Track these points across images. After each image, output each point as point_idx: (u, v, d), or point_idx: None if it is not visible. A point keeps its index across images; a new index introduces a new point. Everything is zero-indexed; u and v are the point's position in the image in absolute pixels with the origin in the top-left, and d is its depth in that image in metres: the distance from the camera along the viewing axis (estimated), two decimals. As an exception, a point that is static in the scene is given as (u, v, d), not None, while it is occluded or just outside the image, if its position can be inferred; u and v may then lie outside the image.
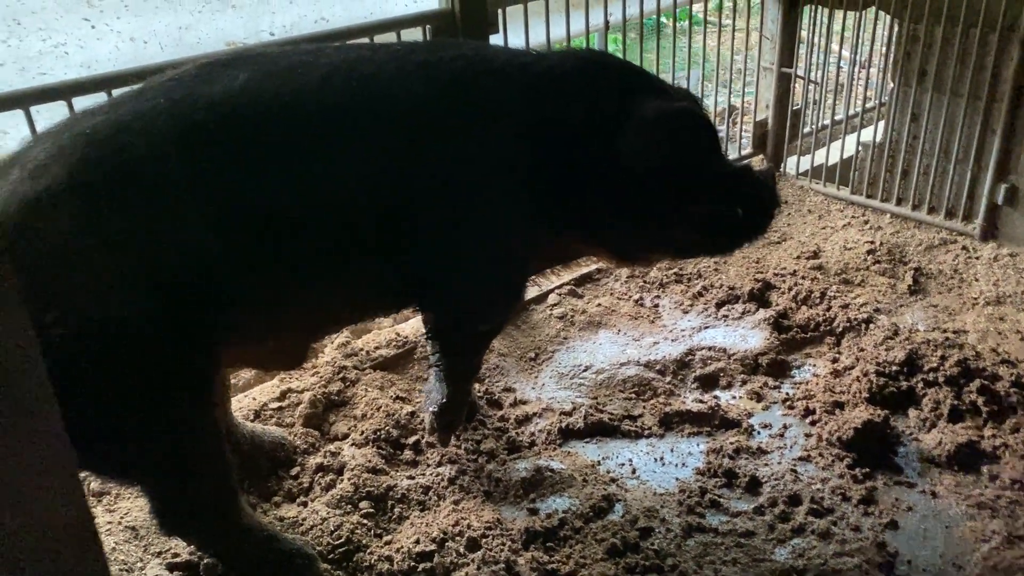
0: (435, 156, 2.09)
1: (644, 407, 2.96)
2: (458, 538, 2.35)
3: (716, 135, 2.42)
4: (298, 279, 2.06)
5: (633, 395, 3.01)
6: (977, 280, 3.53)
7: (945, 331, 3.21)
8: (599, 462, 2.72)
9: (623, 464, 2.71)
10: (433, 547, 2.32)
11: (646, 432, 2.84)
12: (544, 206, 2.29)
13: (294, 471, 2.66)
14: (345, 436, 2.80)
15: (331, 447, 2.71)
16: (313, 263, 2.05)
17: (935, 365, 2.91)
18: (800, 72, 4.23)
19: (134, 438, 1.91)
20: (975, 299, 3.42)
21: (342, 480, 2.58)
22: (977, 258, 3.64)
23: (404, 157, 2.08)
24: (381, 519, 2.48)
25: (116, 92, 2.28)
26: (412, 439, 2.78)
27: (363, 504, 2.50)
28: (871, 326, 3.25)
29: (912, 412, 2.82)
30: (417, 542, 2.34)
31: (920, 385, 2.88)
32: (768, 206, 2.52)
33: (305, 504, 2.54)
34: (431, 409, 2.63)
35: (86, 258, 1.75)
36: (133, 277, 1.79)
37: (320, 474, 2.63)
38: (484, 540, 2.35)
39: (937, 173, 3.87)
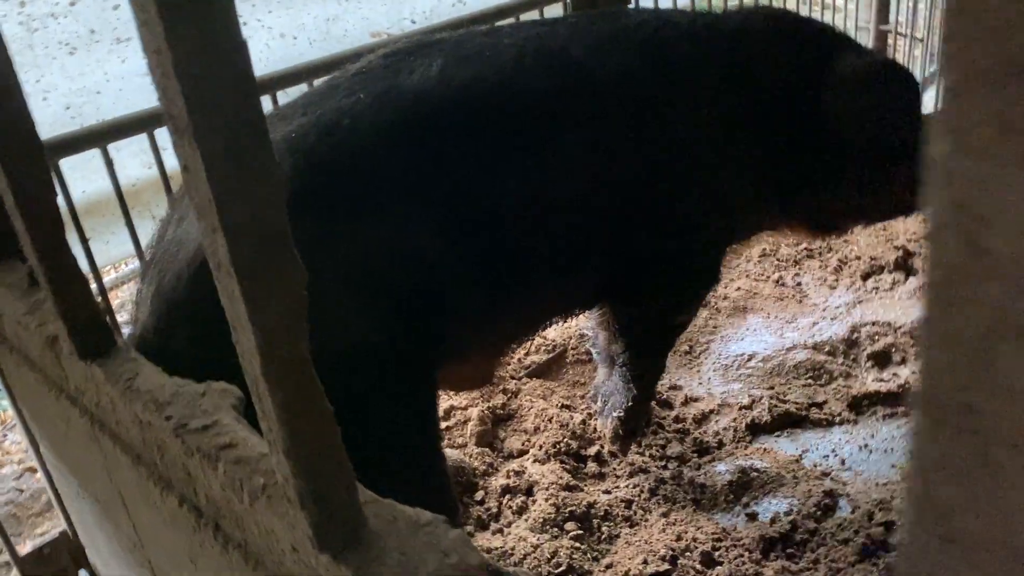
0: (660, 131, 1.91)
1: (826, 393, 2.77)
2: (688, 553, 2.16)
3: (919, 90, 2.24)
4: (523, 282, 1.87)
5: (810, 380, 2.82)
6: None
7: None
8: (800, 456, 2.53)
9: (827, 456, 2.52)
10: (666, 567, 2.12)
11: (838, 419, 2.65)
12: (760, 178, 2.11)
13: (478, 496, 2.45)
14: (522, 452, 2.59)
15: (512, 465, 2.51)
16: (539, 262, 1.86)
17: None
18: (901, 29, 4.05)
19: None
20: None
21: (535, 501, 2.38)
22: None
23: (629, 136, 1.89)
24: (591, 540, 2.28)
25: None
26: (592, 450, 2.58)
27: (568, 526, 2.30)
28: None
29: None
30: (645, 563, 2.14)
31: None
32: None
33: (502, 531, 2.34)
34: (615, 415, 2.43)
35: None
36: (360, 290, 1.59)
37: (508, 496, 2.42)
38: (718, 553, 2.15)
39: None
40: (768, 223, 2.44)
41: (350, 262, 1.58)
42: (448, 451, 2.52)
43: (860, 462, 2.47)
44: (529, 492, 2.42)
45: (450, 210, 1.71)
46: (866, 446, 2.53)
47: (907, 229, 3.54)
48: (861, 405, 2.69)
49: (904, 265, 3.30)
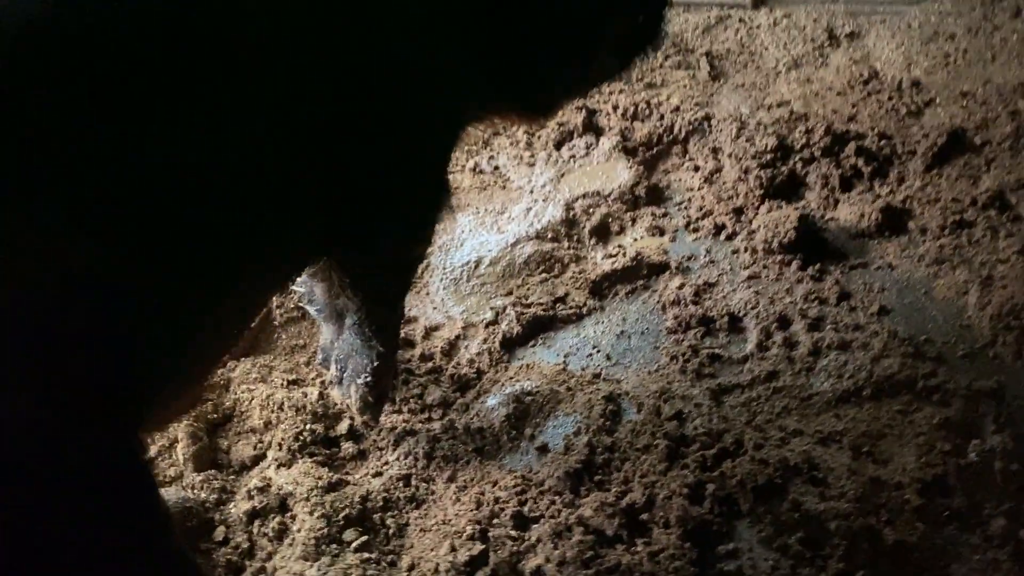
0: (342, 30, 1.41)
1: (564, 284, 2.56)
2: (496, 520, 1.85)
3: None
4: (219, 267, 1.32)
5: (545, 274, 2.59)
6: (767, 49, 3.52)
7: (770, 107, 3.17)
8: (565, 362, 2.31)
9: (590, 355, 2.33)
10: (480, 546, 1.79)
11: (585, 310, 2.47)
12: (474, 70, 1.73)
13: (218, 535, 1.90)
14: (258, 459, 2.06)
15: (251, 481, 1.98)
16: (239, 238, 1.33)
17: (804, 142, 2.84)
18: None
19: None
20: (775, 69, 3.42)
21: (295, 518, 1.90)
22: (757, 27, 3.62)
23: (304, 45, 1.37)
24: (379, 543, 1.88)
25: None
26: (343, 426, 2.13)
27: (348, 535, 1.86)
28: (709, 123, 3.11)
29: (809, 195, 2.75)
30: (453, 549, 1.80)
31: (799, 166, 2.81)
32: (663, 10, 2.14)
33: (264, 570, 1.83)
34: (359, 382, 2.00)
35: None
36: None
37: (258, 523, 1.91)
38: (527, 508, 1.87)
39: (686, -49, 3.73)
40: (480, 113, 2.07)
41: None
42: (164, 492, 1.90)
43: (624, 352, 2.32)
44: (284, 508, 1.93)
45: (98, 189, 1.10)
46: (623, 333, 2.37)
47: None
48: (602, 289, 2.53)
49: (592, 126, 3.15)
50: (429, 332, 2.41)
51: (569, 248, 2.67)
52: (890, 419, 1.97)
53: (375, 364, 1.96)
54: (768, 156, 2.82)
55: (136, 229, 1.17)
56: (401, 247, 1.85)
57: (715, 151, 3.00)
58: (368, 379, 1.98)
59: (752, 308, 2.34)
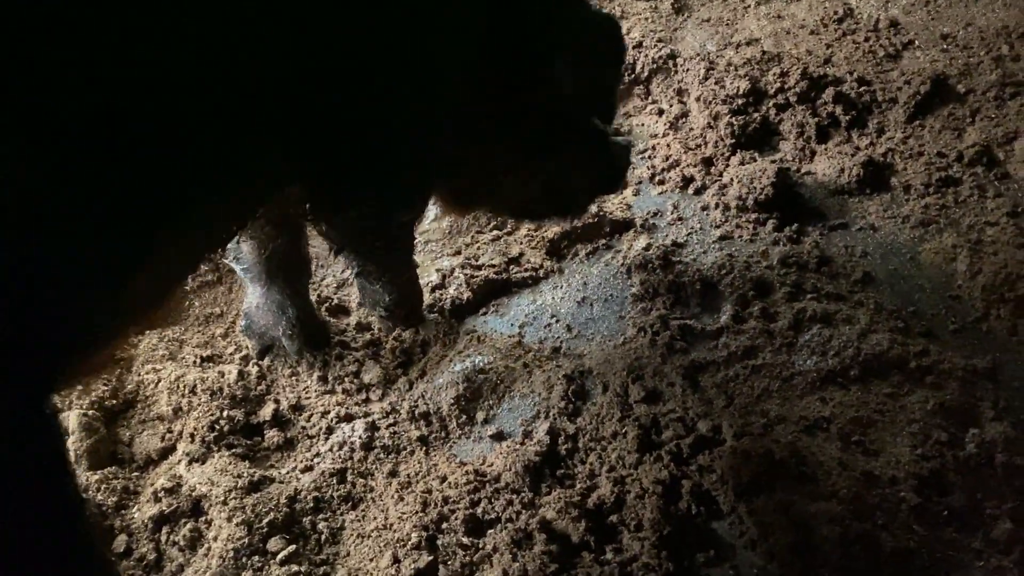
0: None
1: (519, 242, 2.29)
2: (446, 524, 1.62)
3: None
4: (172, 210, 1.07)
5: (496, 232, 2.32)
6: (734, -19, 3.24)
7: (738, 45, 2.91)
8: (521, 333, 2.06)
9: (548, 325, 2.08)
10: (427, 556, 1.56)
11: (542, 272, 2.21)
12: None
13: (119, 544, 1.62)
14: (166, 453, 1.77)
15: (158, 479, 1.69)
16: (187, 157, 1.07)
17: (778, 86, 2.60)
18: None
19: None
20: (743, 2, 3.15)
21: (211, 523, 1.63)
22: (723, -43, 3.33)
23: None
24: (310, 552, 1.62)
25: None
26: (266, 410, 1.85)
27: (273, 544, 1.61)
28: (674, 61, 2.84)
29: (783, 146, 2.52)
30: (395, 561, 1.56)
31: (773, 112, 2.57)
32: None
33: (174, 585, 1.57)
34: (384, 311, 2.00)
35: None
36: None
37: (167, 529, 1.64)
38: (481, 509, 1.64)
39: None
40: None
41: None
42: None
43: (586, 322, 2.08)
44: (197, 512, 1.65)
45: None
46: (584, 299, 2.13)
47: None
48: (560, 249, 2.28)
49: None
50: (366, 298, 2.13)
51: (523, 201, 2.39)
52: (880, 403, 1.79)
53: (394, 295, 1.94)
54: (739, 101, 2.57)
55: (63, 145, 0.89)
56: (381, 210, 1.58)
57: (681, 93, 2.74)
58: (388, 304, 1.96)
59: (726, 273, 2.11)
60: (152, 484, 1.69)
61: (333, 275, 2.18)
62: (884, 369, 1.85)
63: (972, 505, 1.60)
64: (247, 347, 1.95)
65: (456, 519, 1.62)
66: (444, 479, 1.70)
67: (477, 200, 1.92)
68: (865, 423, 1.76)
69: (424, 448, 1.80)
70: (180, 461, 1.73)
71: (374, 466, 1.76)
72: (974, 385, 1.80)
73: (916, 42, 2.83)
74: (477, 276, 2.14)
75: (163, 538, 1.62)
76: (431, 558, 1.56)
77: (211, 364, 1.91)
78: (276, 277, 1.85)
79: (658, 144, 2.60)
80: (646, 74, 2.83)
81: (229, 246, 1.82)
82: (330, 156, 1.33)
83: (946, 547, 1.55)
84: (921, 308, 2.00)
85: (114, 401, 1.81)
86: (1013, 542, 1.54)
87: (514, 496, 1.66)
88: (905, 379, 1.83)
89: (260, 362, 1.94)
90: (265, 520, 1.62)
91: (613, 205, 2.37)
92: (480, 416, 1.86)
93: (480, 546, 1.59)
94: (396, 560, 1.56)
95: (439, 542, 1.59)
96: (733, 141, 2.50)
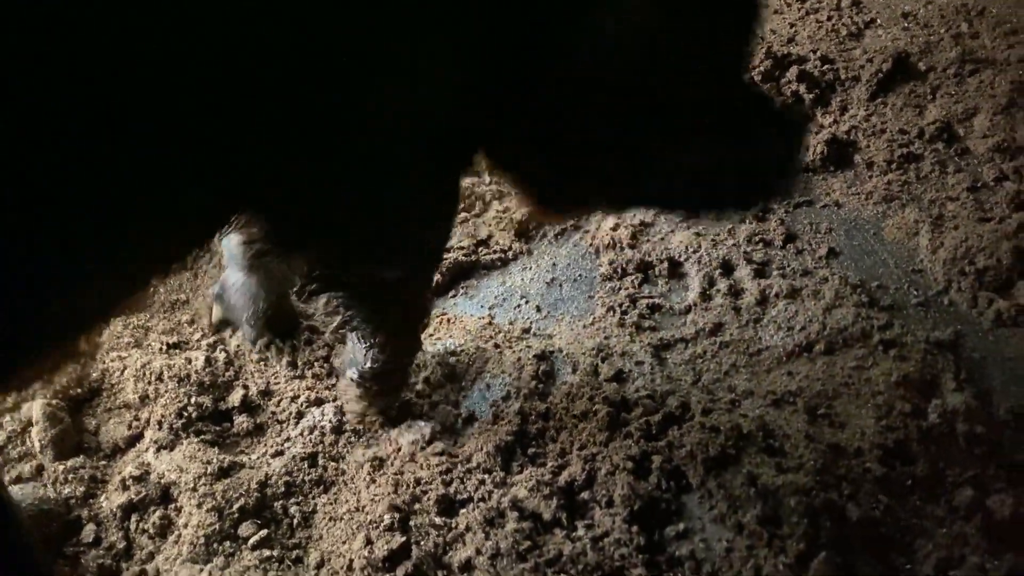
0: None
1: (488, 224, 2.29)
2: (418, 505, 1.62)
3: None
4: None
5: (465, 213, 2.31)
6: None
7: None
8: (491, 315, 2.07)
9: (518, 306, 2.09)
10: (400, 537, 1.56)
11: (511, 254, 2.21)
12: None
13: (87, 534, 1.61)
14: (133, 441, 1.75)
15: (126, 468, 1.68)
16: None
17: (743, 65, 2.61)
18: None
19: None
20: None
21: (181, 511, 1.62)
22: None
23: None
24: (282, 536, 1.62)
25: None
26: (235, 396, 1.84)
27: (244, 529, 1.60)
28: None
29: (748, 124, 2.53)
30: (368, 543, 1.56)
31: (738, 92, 2.58)
32: None
33: (144, 574, 1.56)
34: (358, 377, 1.71)
35: None
36: None
37: (135, 518, 1.62)
38: (453, 488, 1.65)
39: None
40: None
41: None
42: (16, 490, 1.59)
43: (555, 303, 2.09)
44: (166, 499, 1.64)
45: None
46: (553, 280, 2.14)
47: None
48: (528, 230, 2.28)
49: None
50: (334, 282, 2.12)
51: (491, 183, 2.39)
52: (846, 376, 1.82)
53: (377, 357, 1.67)
54: (705, 80, 2.58)
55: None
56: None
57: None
58: (361, 372, 1.69)
59: (693, 252, 2.13)
60: (120, 472, 1.67)
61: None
62: (849, 342, 1.88)
63: (935, 474, 1.64)
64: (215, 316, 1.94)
65: (428, 499, 1.62)
66: (417, 460, 1.70)
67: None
68: (831, 396, 1.78)
69: (396, 432, 1.80)
70: (148, 449, 1.71)
71: (345, 450, 1.76)
72: (936, 357, 1.84)
73: (878, 20, 2.86)
74: (446, 258, 2.14)
75: (132, 526, 1.61)
76: (404, 539, 1.56)
77: (178, 351, 1.89)
78: (258, 272, 1.83)
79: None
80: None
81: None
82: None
83: (911, 515, 1.59)
84: (885, 282, 2.03)
85: (79, 390, 1.79)
86: (974, 509, 1.57)
87: (486, 476, 1.67)
88: (869, 352, 1.86)
89: (225, 344, 1.92)
90: (236, 506, 1.61)
91: (581, 186, 2.37)
92: (453, 396, 1.86)
93: (453, 526, 1.59)
94: (369, 541, 1.56)
95: (412, 523, 1.59)
96: (699, 120, 2.51)
